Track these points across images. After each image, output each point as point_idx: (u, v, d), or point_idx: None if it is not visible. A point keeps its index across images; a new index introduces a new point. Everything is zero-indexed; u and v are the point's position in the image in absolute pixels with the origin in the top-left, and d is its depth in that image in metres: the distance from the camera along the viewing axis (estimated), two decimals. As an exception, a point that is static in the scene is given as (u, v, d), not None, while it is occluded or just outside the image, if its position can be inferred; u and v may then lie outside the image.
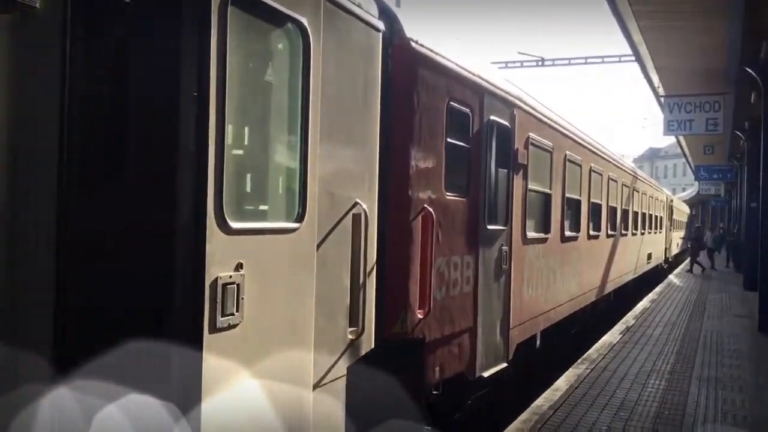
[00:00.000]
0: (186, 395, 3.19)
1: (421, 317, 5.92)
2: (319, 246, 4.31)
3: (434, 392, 6.36)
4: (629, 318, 15.10)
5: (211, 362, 3.25)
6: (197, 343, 3.19)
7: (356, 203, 4.72)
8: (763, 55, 14.07)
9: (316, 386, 4.29)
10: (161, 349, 3.20)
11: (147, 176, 3.48)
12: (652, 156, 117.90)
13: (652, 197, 24.64)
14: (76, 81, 2.76)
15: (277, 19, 3.86)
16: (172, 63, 3.32)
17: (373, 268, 4.96)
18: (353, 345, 4.70)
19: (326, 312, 4.40)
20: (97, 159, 3.44)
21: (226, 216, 3.33)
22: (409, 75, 5.87)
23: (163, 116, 3.36)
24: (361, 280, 4.74)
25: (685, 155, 43.26)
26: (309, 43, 4.03)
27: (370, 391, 5.64)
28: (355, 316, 4.69)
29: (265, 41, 3.99)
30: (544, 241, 9.90)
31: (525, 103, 8.82)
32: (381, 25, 5.10)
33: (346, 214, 4.64)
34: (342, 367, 4.58)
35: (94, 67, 3.28)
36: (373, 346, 4.97)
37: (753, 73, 14.51)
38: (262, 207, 4.10)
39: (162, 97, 3.40)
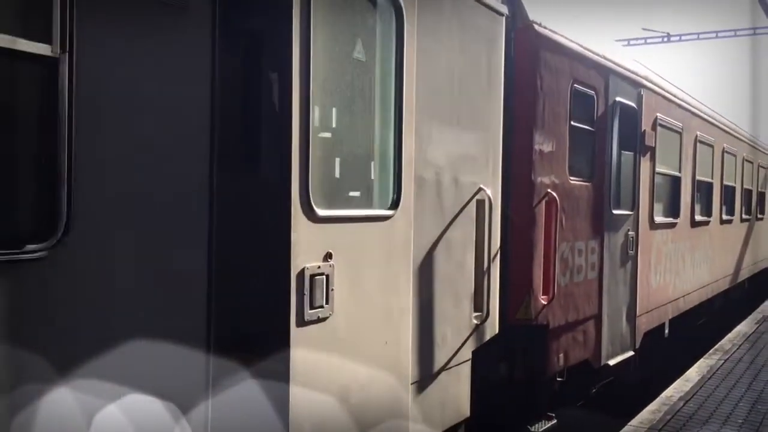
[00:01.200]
0: (273, 392, 3.04)
1: (545, 303, 5.86)
2: (444, 232, 4.37)
3: (559, 379, 6.29)
4: (766, 307, 14.22)
5: (300, 358, 3.09)
6: (284, 338, 3.03)
7: (480, 189, 4.73)
8: None
9: (442, 369, 4.36)
10: (245, 346, 3.04)
11: (237, 163, 3.34)
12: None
13: (792, 178, 22.97)
14: (222, 75, 2.89)
15: None
16: (256, 43, 3.20)
17: (497, 254, 4.97)
18: (478, 330, 4.73)
19: (452, 297, 4.45)
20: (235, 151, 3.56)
21: (312, 203, 3.15)
22: (532, 58, 5.79)
23: (246, 99, 3.24)
24: (486, 266, 4.75)
25: (829, 132, 39.98)
26: (403, 21, 3.79)
27: (495, 377, 5.67)
28: (479, 301, 4.72)
29: (355, 18, 3.68)
30: (672, 226, 9.50)
31: (652, 83, 8.48)
32: (504, 9, 5.06)
33: (471, 199, 4.66)
34: (467, 351, 4.63)
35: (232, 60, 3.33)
36: (497, 331, 4.99)
37: None
38: (353, 193, 3.83)
39: (248, 79, 3.29)
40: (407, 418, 3.92)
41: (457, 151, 4.49)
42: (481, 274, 4.74)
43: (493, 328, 4.94)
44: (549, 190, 5.96)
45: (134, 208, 2.50)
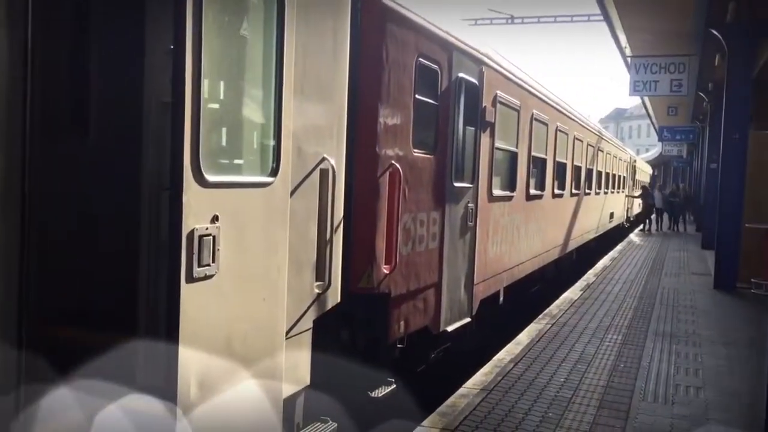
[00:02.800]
0: (164, 342, 3.32)
1: (387, 272, 6.00)
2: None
3: (399, 346, 6.49)
4: (590, 275, 15.45)
5: (189, 311, 3.35)
6: (175, 293, 3.29)
7: (324, 158, 4.73)
8: (729, 17, 14.21)
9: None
10: (139, 299, 3.32)
11: (119, 130, 3.55)
12: (617, 116, 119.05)
13: (616, 157, 24.98)
14: (39, 39, 2.68)
15: None
16: (139, 20, 3.33)
17: (339, 224, 5.00)
18: (319, 299, 4.76)
19: (293, 266, 4.44)
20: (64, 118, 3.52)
21: (202, 169, 3.39)
22: (378, 30, 5.83)
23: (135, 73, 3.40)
24: (328, 235, 4.78)
25: (649, 116, 43.79)
26: None
27: (336, 344, 5.74)
28: (321, 271, 4.74)
29: None
30: (509, 199, 10.03)
31: (493, 61, 8.83)
32: (351, -21, 5.05)
33: (314, 168, 4.65)
34: (308, 321, 4.65)
35: (56, 25, 3.25)
36: (339, 300, 5.04)
37: (718, 35, 14.66)
38: (238, 161, 4.16)
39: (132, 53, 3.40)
40: (282, 368, 4.25)
41: (300, 120, 4.45)
42: (323, 243, 4.76)
43: (335, 297, 4.98)
44: (393, 162, 6.07)
45: None
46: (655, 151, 66.42)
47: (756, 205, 13.71)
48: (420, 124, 6.63)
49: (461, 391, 6.45)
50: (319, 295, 4.74)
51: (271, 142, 4.13)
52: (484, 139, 8.56)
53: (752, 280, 13.73)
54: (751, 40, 14.34)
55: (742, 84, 14.49)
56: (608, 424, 5.78)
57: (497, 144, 9.15)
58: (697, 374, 7.47)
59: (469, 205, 8.03)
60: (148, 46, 3.86)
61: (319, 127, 4.71)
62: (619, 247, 23.23)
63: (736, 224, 14.01)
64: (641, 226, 31.87)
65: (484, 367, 7.35)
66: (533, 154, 11.44)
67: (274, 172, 4.10)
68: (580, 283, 14.09)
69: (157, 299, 3.77)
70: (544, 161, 12.48)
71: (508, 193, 9.99)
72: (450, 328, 7.56)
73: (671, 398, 6.57)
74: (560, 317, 10.32)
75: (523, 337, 8.87)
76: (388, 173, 6.01)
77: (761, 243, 13.36)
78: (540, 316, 10.36)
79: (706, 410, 6.25)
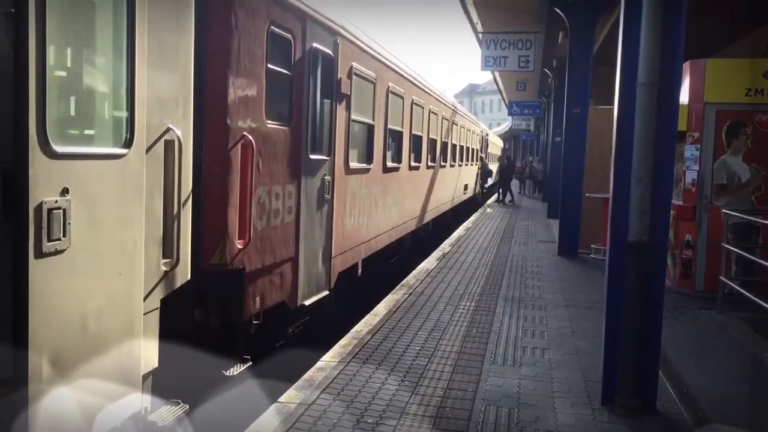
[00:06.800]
0: (13, 321, 3.19)
1: (241, 247, 5.84)
2: (127, 174, 4.09)
3: (255, 322, 6.36)
4: (446, 245, 15.91)
5: (38, 287, 3.25)
6: (23, 269, 3.19)
7: (169, 129, 4.49)
8: (570, -3, 14.97)
9: (127, 320, 4.12)
10: None
11: None
12: (471, 91, 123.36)
13: (470, 131, 25.83)
14: None
15: None
16: None
17: (188, 198, 4.78)
18: (167, 277, 4.54)
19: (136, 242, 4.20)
20: None
21: (50, 139, 3.27)
22: (226, -5, 5.59)
23: None
24: (176, 210, 4.56)
25: (500, 91, 45.63)
26: None
27: (189, 323, 5.53)
28: (169, 247, 4.52)
29: None
30: (366, 171, 10.07)
31: (349, 33, 8.76)
32: (194, -61, 4.77)
33: (158, 139, 4.40)
34: (155, 300, 4.42)
35: None
36: (189, 277, 4.83)
37: (561, 14, 15.41)
38: (89, 132, 4.04)
39: None
40: (141, 345, 4.20)
41: (142, 89, 4.19)
42: (171, 218, 4.54)
43: (184, 274, 4.77)
44: (245, 133, 5.89)
45: None
46: (506, 125, 69.43)
47: (594, 176, 14.63)
48: (273, 94, 6.46)
49: (319, 364, 6.43)
50: (166, 272, 4.52)
51: (125, 113, 4.03)
52: (340, 111, 8.51)
53: (592, 246, 14.71)
54: (590, 19, 15.21)
55: (583, 61, 15.36)
56: (461, 388, 5.98)
57: (353, 116, 9.14)
58: (542, 336, 7.89)
59: (325, 177, 7.97)
60: None
61: (162, 97, 4.45)
62: (473, 217, 24.13)
63: (578, 194, 14.92)
64: (495, 197, 33.13)
65: (342, 339, 7.37)
66: (390, 126, 11.54)
67: (128, 144, 4.01)
68: (437, 253, 14.48)
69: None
70: (400, 134, 12.64)
71: (365, 165, 10.03)
72: (308, 302, 7.52)
73: (519, 360, 6.90)
74: (417, 287, 10.56)
75: (381, 308, 8.98)
76: (240, 145, 5.82)
77: (602, 211, 14.32)
78: (397, 287, 10.54)
79: (550, 369, 6.62)
